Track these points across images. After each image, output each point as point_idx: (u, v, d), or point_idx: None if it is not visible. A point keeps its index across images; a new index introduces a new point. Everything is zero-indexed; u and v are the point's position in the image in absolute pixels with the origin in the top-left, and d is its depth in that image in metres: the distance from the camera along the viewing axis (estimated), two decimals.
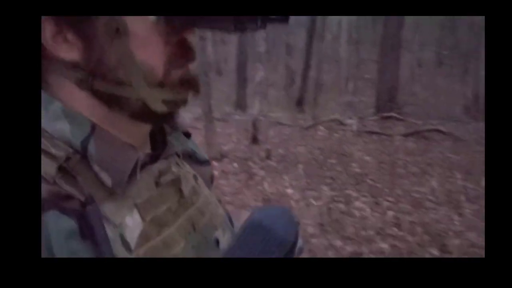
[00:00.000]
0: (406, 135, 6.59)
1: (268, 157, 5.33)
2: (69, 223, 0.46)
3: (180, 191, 0.63)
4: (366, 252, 3.20)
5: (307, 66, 10.10)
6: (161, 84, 0.52)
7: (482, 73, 9.64)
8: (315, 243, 3.33)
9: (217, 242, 0.67)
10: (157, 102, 0.53)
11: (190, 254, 0.59)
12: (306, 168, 4.92)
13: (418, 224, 3.60)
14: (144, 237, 0.53)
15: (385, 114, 7.97)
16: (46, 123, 0.49)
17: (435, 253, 3.13)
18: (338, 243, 3.36)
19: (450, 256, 3.09)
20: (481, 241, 3.25)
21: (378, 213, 3.87)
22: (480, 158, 5.23)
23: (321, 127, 7.09)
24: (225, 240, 0.69)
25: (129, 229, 0.52)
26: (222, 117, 7.82)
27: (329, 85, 10.62)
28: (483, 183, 4.41)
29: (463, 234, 3.38)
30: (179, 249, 0.58)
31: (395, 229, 3.53)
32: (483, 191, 3.28)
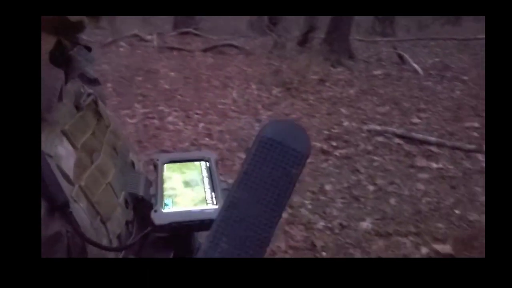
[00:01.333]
0: (205, 50, 6.82)
1: None
2: None
3: (97, 113, 0.59)
4: None
5: None
6: None
7: None
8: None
9: (133, 164, 0.72)
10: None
11: (119, 178, 0.59)
12: (116, 87, 4.79)
13: (226, 132, 3.95)
14: (80, 166, 0.51)
15: (183, 30, 8.02)
16: None
17: (242, 156, 3.53)
18: None
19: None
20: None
21: (191, 125, 4.09)
22: (268, 69, 5.81)
23: (122, 43, 6.81)
24: (139, 163, 0.74)
25: (64, 159, 0.49)
26: None
27: None
28: (274, 91, 4.98)
29: None
30: (112, 176, 0.57)
31: (207, 139, 3.82)
32: (275, 99, 3.74)
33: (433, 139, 3.81)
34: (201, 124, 4.10)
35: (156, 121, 4.11)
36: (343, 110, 4.56)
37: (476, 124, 4.21)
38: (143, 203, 0.63)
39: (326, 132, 3.99)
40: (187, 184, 0.65)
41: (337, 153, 3.63)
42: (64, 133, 0.50)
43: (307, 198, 2.99)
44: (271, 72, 5.66)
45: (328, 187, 3.13)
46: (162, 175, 0.66)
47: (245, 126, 4.11)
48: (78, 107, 0.55)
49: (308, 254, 2.45)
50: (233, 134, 3.92)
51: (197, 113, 4.34)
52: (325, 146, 3.70)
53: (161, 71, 5.58)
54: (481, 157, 3.57)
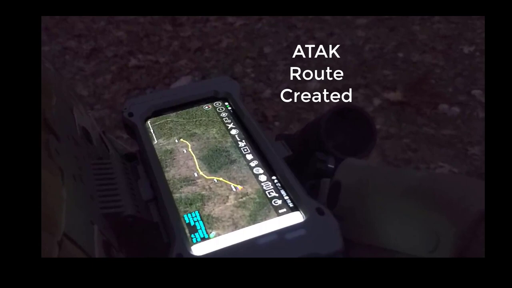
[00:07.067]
0: None
1: None
2: None
3: None
4: None
5: None
6: None
7: None
8: None
9: (87, 134, 0.40)
10: None
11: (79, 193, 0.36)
12: None
13: None
14: None
15: None
16: None
17: (168, 28, 2.96)
18: None
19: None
20: None
21: None
22: None
23: None
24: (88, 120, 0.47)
25: None
26: None
27: None
28: None
29: None
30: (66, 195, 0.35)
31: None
32: None
33: None
34: None
35: None
36: None
37: None
38: (135, 229, 0.34)
39: None
40: (210, 162, 0.33)
41: None
42: None
43: (248, 66, 2.59)
44: None
45: (267, 50, 2.73)
46: (152, 148, 0.34)
47: None
48: None
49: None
50: None
51: None
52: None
53: None
54: None
